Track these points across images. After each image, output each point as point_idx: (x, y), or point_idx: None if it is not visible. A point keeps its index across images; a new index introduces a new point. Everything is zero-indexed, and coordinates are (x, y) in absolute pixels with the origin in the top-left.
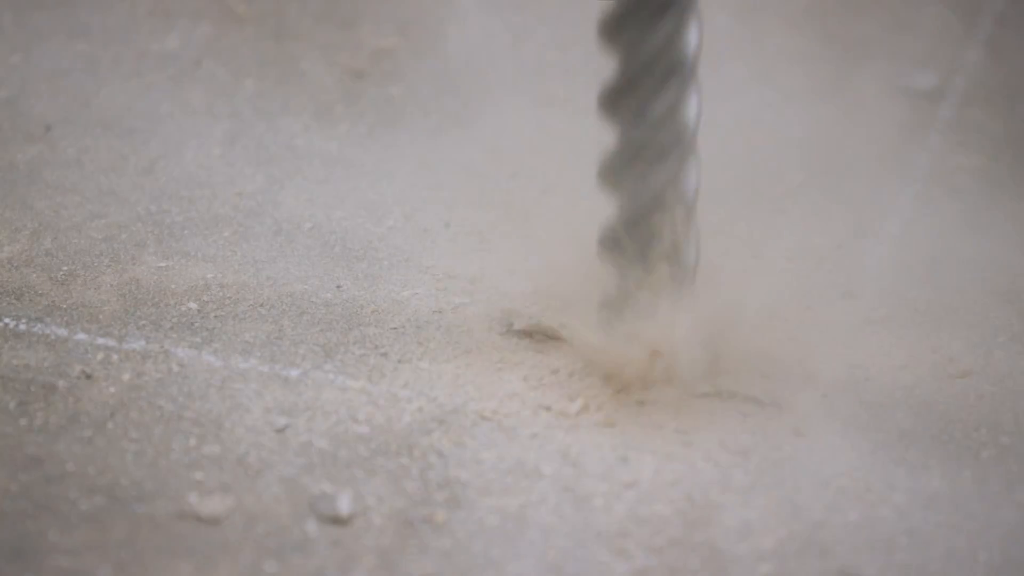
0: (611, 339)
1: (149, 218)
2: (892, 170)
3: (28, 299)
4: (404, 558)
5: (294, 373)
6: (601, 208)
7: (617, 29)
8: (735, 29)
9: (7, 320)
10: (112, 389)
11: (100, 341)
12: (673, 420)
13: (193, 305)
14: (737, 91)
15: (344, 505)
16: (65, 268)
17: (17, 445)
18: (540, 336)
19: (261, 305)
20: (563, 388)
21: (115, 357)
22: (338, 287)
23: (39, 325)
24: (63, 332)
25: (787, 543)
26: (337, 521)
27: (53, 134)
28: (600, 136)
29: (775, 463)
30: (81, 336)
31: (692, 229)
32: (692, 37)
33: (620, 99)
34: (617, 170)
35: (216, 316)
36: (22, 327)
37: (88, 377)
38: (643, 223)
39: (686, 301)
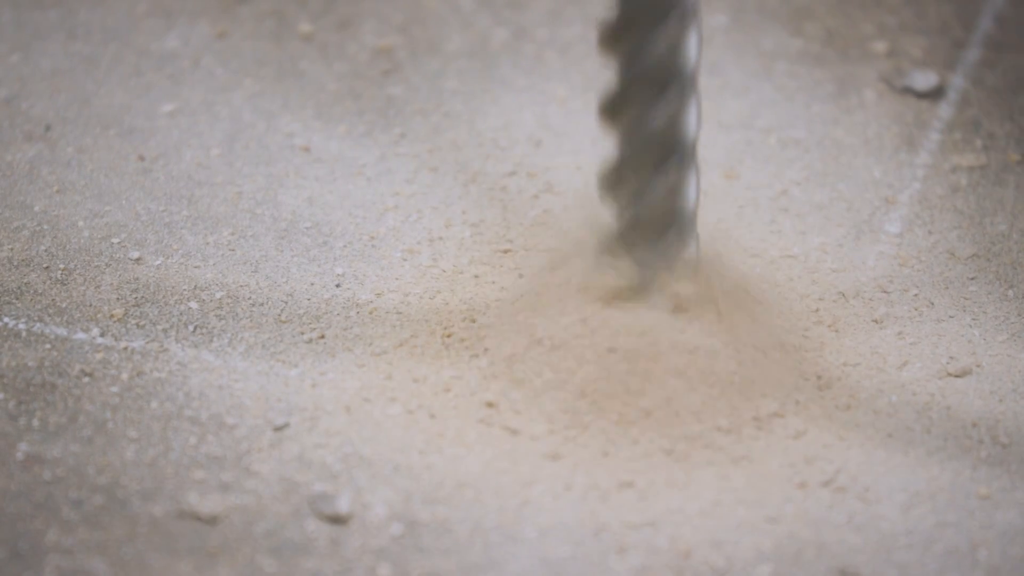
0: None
1: (149, 217)
2: (892, 170)
3: (28, 299)
4: (404, 557)
5: (293, 372)
6: (600, 207)
7: (616, 39)
8: (735, 29)
9: (7, 320)
10: (112, 388)
11: (100, 341)
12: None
13: (193, 304)
14: (737, 91)
15: (343, 504)
16: (65, 267)
17: (17, 444)
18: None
19: (261, 304)
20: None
21: (115, 357)
22: (337, 286)
23: (39, 325)
24: (63, 332)
25: (787, 543)
26: (336, 520)
27: (53, 134)
28: (598, 134)
29: (777, 463)
30: (81, 336)
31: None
32: (692, 47)
33: (620, 109)
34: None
35: (216, 315)
36: (22, 327)
37: (88, 376)
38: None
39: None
